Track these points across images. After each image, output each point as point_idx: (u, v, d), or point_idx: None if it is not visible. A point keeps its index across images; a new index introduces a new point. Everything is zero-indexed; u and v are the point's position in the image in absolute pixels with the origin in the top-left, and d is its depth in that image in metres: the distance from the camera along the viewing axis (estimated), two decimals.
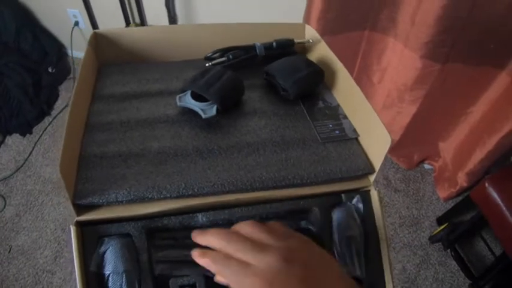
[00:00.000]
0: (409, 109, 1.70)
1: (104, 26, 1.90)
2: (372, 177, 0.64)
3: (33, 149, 2.00)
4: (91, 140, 0.62)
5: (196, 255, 0.45)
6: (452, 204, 1.80)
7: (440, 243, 1.72)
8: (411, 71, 1.54)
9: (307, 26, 0.83)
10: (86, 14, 1.78)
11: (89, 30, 1.94)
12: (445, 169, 1.91)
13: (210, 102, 0.66)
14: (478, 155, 1.64)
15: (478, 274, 1.60)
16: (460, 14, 1.30)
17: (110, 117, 0.67)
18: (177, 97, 0.68)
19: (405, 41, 1.51)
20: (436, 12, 1.30)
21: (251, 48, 0.78)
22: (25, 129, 2.07)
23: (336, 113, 0.74)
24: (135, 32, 0.80)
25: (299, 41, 0.82)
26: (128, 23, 2.09)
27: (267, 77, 0.76)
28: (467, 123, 1.75)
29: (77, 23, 2.19)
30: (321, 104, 0.76)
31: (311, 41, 0.82)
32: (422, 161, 2.02)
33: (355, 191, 0.63)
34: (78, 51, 2.34)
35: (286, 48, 0.80)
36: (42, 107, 2.13)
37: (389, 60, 1.67)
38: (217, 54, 0.77)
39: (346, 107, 0.74)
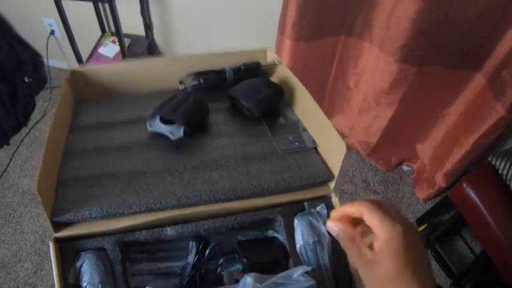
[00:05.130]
0: (386, 112, 1.71)
1: (79, 35, 1.88)
2: (332, 184, 0.68)
3: (10, 160, 1.96)
4: (67, 166, 0.66)
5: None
6: (431, 205, 1.82)
7: None
8: (387, 74, 1.55)
9: (268, 51, 0.89)
10: (61, 23, 1.75)
11: (64, 39, 1.91)
12: (424, 170, 1.93)
13: (177, 124, 0.70)
14: (456, 156, 1.67)
15: (458, 273, 1.62)
16: (435, 17, 1.32)
17: (85, 145, 0.71)
18: (147, 123, 0.72)
19: (381, 45, 1.52)
20: (411, 15, 1.32)
21: (222, 72, 0.83)
22: (2, 141, 2.03)
23: (296, 127, 0.79)
24: (110, 68, 0.84)
25: (265, 64, 0.87)
26: (103, 32, 2.08)
27: (231, 100, 0.81)
28: (444, 125, 1.77)
29: (52, 32, 2.17)
30: (282, 120, 0.81)
31: (277, 62, 0.87)
32: (400, 163, 2.04)
33: (317, 198, 0.67)
34: (54, 60, 2.31)
35: (254, 71, 0.86)
36: (19, 117, 2.10)
37: (366, 64, 1.68)
38: (191, 78, 0.83)
39: (305, 121, 0.80)
